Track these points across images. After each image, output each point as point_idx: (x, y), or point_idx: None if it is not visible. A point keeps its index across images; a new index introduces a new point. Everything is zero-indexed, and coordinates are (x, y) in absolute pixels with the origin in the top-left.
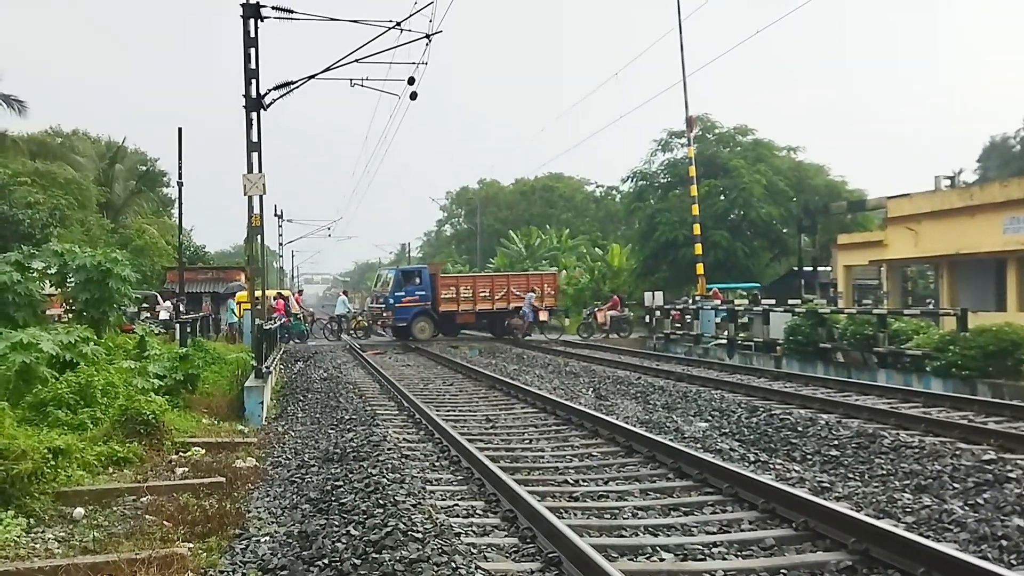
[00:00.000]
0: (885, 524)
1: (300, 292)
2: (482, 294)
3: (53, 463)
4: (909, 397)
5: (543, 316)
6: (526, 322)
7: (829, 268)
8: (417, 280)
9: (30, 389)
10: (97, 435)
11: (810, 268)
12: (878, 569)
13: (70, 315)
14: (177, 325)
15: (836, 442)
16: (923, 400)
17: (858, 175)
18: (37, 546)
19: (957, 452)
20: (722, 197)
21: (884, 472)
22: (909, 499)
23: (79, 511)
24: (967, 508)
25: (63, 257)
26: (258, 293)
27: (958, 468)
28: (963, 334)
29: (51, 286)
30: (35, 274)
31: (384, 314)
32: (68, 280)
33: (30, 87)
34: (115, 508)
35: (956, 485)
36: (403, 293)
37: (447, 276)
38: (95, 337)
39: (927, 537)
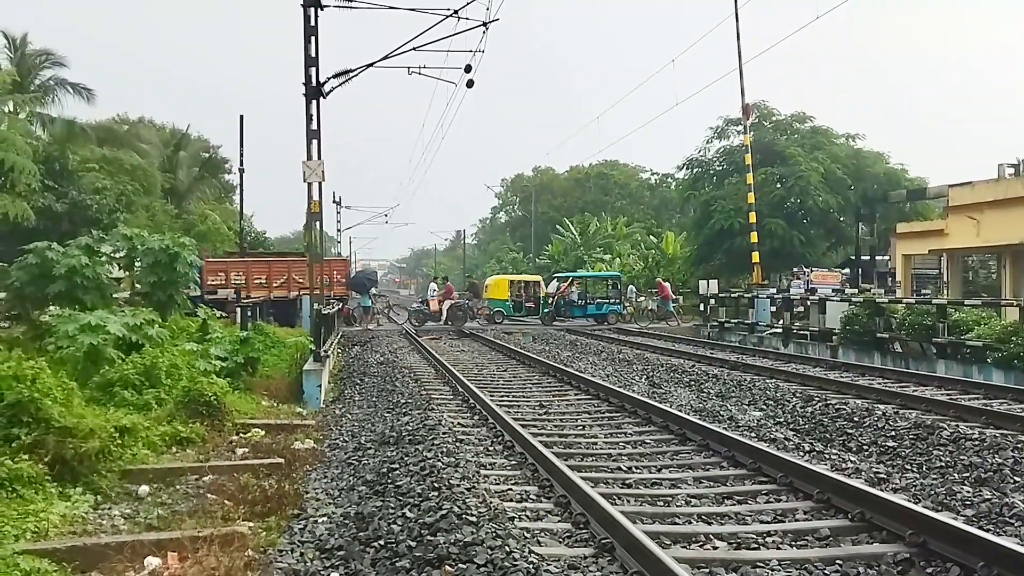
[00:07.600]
0: (944, 517)
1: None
2: (256, 281)
3: (119, 442)
4: (969, 389)
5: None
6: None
7: (887, 257)
8: None
9: (98, 370)
10: (161, 415)
11: (867, 257)
12: (936, 562)
13: (138, 297)
14: (238, 309)
15: (893, 433)
16: (984, 392)
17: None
18: (104, 522)
19: (1019, 445)
20: (778, 185)
21: (943, 464)
22: (968, 492)
23: (144, 489)
24: None
25: (132, 241)
26: None
27: (1020, 461)
28: None
29: (119, 269)
30: (103, 258)
31: None
32: (136, 263)
33: (96, 76)
34: (178, 486)
35: (1017, 479)
36: None
37: (215, 260)
38: (160, 319)
39: (987, 531)
